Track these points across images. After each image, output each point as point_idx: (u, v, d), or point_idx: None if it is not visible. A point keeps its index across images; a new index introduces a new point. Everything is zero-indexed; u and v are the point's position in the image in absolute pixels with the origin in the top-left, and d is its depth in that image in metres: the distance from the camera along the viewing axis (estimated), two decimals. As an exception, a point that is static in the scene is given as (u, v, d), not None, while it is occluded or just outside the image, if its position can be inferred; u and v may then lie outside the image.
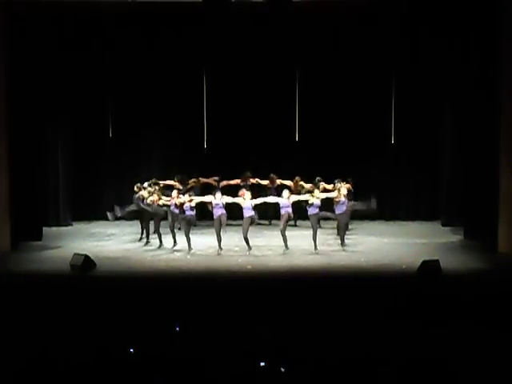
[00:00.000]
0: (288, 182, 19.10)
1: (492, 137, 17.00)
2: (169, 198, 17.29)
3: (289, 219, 16.87)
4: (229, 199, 17.01)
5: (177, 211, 17.11)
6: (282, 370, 8.29)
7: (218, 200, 16.75)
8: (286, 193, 16.95)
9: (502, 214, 16.92)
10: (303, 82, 19.98)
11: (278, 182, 19.26)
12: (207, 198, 17.06)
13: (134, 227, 18.78)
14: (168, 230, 17.31)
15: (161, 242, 17.33)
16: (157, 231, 17.34)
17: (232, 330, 10.64)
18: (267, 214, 19.32)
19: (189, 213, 16.85)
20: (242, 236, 16.67)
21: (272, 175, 19.42)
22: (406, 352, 9.47)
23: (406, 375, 8.43)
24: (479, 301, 12.48)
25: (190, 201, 16.82)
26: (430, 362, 8.71)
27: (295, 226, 19.29)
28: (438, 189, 20.44)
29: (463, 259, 16.18)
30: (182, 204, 16.98)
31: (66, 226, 20.14)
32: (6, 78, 17.13)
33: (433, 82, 19.65)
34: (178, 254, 16.83)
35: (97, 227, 20.09)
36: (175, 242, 17.13)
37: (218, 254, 16.59)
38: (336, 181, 17.98)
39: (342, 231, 17.21)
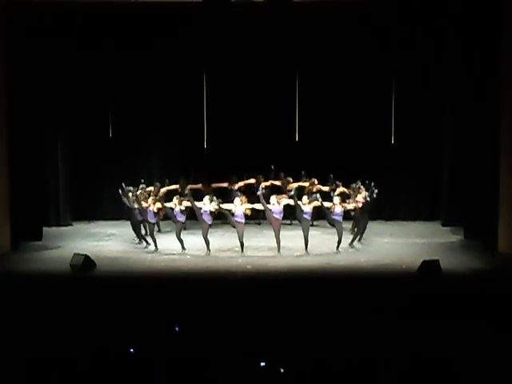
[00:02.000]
0: (305, 184, 19.10)
1: (492, 137, 17.01)
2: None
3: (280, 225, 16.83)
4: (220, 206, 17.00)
5: (153, 220, 17.13)
6: (282, 370, 8.30)
7: (207, 207, 16.64)
8: (273, 198, 16.83)
9: (502, 213, 16.92)
10: (303, 82, 19.96)
11: (296, 185, 19.14)
12: (198, 204, 17.03)
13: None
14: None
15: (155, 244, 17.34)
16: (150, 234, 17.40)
17: (232, 330, 10.65)
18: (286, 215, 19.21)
19: (180, 218, 16.81)
20: (238, 240, 16.71)
21: (288, 178, 19.43)
22: (406, 352, 9.47)
23: (407, 375, 8.43)
24: (479, 301, 12.48)
25: (180, 203, 16.80)
26: (431, 361, 8.71)
27: (312, 225, 19.15)
28: (438, 189, 20.45)
29: (463, 259, 16.18)
30: (159, 209, 17.05)
31: (66, 225, 20.13)
32: (6, 78, 17.14)
33: (433, 82, 19.65)
34: (177, 254, 16.84)
35: (97, 227, 20.09)
36: (155, 245, 17.20)
37: (207, 255, 16.65)
38: (354, 184, 18.16)
39: (339, 235, 16.96)
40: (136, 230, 17.80)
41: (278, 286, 14.12)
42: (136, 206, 17.38)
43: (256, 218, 18.92)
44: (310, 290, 13.60)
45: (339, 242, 16.84)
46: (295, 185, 19.10)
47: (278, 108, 20.16)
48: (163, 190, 18.97)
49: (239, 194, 18.04)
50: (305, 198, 16.99)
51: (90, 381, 8.32)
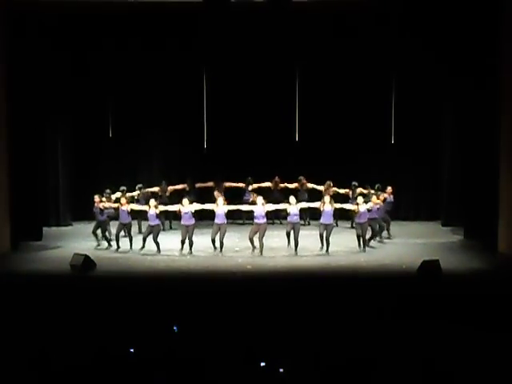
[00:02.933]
0: (320, 187, 19.15)
1: (492, 137, 17.01)
2: (116, 205, 17.30)
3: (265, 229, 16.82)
4: (199, 206, 17.02)
5: (127, 219, 17.06)
6: (281, 370, 8.30)
7: (187, 208, 16.72)
8: (260, 200, 16.88)
9: (502, 213, 16.92)
10: (303, 82, 19.95)
11: (310, 186, 19.34)
12: (174, 207, 17.13)
13: (134, 227, 18.67)
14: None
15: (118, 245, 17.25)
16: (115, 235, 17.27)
17: (232, 329, 10.65)
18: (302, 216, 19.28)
19: (154, 221, 16.79)
20: (211, 238, 16.77)
21: (301, 178, 19.48)
22: (405, 352, 9.47)
23: (406, 375, 8.43)
24: (479, 301, 12.48)
25: (156, 207, 16.84)
26: (430, 361, 8.71)
27: (308, 224, 19.45)
28: (438, 189, 20.44)
29: (463, 259, 16.19)
30: (133, 211, 17.16)
31: (66, 226, 20.11)
32: (6, 78, 17.14)
33: (433, 82, 19.64)
34: (177, 254, 16.83)
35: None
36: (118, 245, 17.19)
37: (186, 256, 16.63)
38: (377, 186, 18.38)
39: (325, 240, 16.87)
40: (102, 231, 17.44)
41: (277, 286, 14.11)
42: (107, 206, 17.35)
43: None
44: (310, 289, 13.59)
45: (328, 244, 16.71)
46: (310, 186, 19.31)
47: (278, 108, 20.15)
48: (170, 188, 19.19)
49: (252, 194, 18.19)
50: (292, 199, 16.95)
51: (90, 381, 8.32)
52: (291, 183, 19.52)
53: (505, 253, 16.60)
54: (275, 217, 19.35)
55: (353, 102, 20.07)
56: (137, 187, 18.85)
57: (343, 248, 17.15)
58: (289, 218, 16.87)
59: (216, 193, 18.29)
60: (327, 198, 16.94)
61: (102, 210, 17.25)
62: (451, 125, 19.71)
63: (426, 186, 20.81)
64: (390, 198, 18.39)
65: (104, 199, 17.36)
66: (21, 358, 9.07)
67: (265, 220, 16.76)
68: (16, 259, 16.50)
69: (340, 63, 19.62)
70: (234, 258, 16.42)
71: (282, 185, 19.54)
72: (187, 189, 19.34)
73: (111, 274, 15.17)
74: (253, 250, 16.73)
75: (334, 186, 18.91)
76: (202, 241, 17.52)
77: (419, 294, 13.22)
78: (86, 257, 15.41)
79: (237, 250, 17.06)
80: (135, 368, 8.51)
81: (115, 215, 17.47)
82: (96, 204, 17.19)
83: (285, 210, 17.10)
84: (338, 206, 17.22)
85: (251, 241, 16.72)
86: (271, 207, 17.16)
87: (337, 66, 19.67)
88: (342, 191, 18.89)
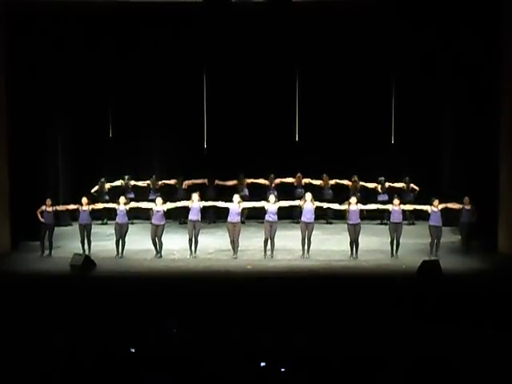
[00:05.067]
0: (345, 182, 19.62)
1: (492, 137, 17.02)
2: (74, 206, 17.41)
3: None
4: (171, 205, 17.03)
5: (86, 220, 17.00)
6: (283, 369, 8.30)
7: (160, 207, 16.70)
8: (236, 197, 16.82)
9: (501, 214, 16.93)
10: (303, 82, 19.96)
11: (333, 182, 19.70)
12: (146, 205, 17.15)
13: (134, 227, 18.70)
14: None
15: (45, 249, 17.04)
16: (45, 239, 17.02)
17: (232, 330, 10.65)
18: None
19: (123, 219, 16.78)
20: (188, 237, 16.70)
21: (324, 175, 19.71)
22: (406, 352, 9.47)
23: (407, 375, 8.43)
24: (479, 301, 12.49)
25: (126, 204, 16.86)
26: (431, 362, 8.71)
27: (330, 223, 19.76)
28: (437, 189, 20.41)
29: (463, 259, 16.19)
30: (94, 210, 17.31)
31: (66, 226, 20.08)
32: (5, 78, 17.14)
33: (433, 81, 19.64)
34: (177, 254, 16.83)
35: (97, 227, 19.98)
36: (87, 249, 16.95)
37: (158, 258, 16.53)
38: (406, 179, 19.19)
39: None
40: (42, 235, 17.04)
41: (277, 285, 14.12)
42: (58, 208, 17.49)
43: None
44: (310, 290, 13.60)
45: (304, 245, 16.52)
46: (332, 182, 19.75)
47: (277, 108, 20.16)
48: (188, 182, 19.57)
49: (274, 192, 18.47)
50: (272, 197, 16.84)
51: (90, 380, 8.32)
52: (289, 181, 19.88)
53: (505, 253, 16.62)
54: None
55: (353, 102, 20.08)
56: (152, 177, 19.20)
57: (343, 248, 17.13)
58: (266, 217, 16.65)
59: (238, 190, 18.84)
60: (308, 196, 16.81)
61: (54, 213, 17.06)
62: (451, 125, 19.71)
63: (425, 186, 20.77)
64: (467, 208, 17.11)
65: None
66: (21, 358, 9.07)
67: (239, 219, 16.64)
68: (16, 259, 16.50)
69: (340, 63, 19.62)
70: (234, 258, 16.41)
71: (305, 180, 19.72)
72: (207, 184, 19.68)
73: (111, 273, 15.18)
74: (234, 253, 16.55)
75: (360, 181, 19.51)
76: (202, 241, 17.50)
77: (419, 293, 13.23)
78: (86, 257, 15.42)
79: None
80: (135, 368, 8.51)
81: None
82: (45, 207, 16.93)
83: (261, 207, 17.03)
84: (325, 205, 17.48)
85: (232, 243, 16.57)
86: (246, 205, 17.05)
87: (337, 65, 19.67)
88: (370, 186, 19.13)
